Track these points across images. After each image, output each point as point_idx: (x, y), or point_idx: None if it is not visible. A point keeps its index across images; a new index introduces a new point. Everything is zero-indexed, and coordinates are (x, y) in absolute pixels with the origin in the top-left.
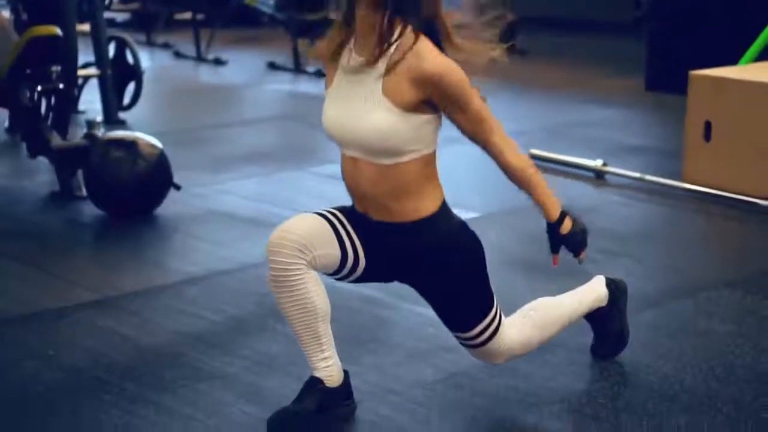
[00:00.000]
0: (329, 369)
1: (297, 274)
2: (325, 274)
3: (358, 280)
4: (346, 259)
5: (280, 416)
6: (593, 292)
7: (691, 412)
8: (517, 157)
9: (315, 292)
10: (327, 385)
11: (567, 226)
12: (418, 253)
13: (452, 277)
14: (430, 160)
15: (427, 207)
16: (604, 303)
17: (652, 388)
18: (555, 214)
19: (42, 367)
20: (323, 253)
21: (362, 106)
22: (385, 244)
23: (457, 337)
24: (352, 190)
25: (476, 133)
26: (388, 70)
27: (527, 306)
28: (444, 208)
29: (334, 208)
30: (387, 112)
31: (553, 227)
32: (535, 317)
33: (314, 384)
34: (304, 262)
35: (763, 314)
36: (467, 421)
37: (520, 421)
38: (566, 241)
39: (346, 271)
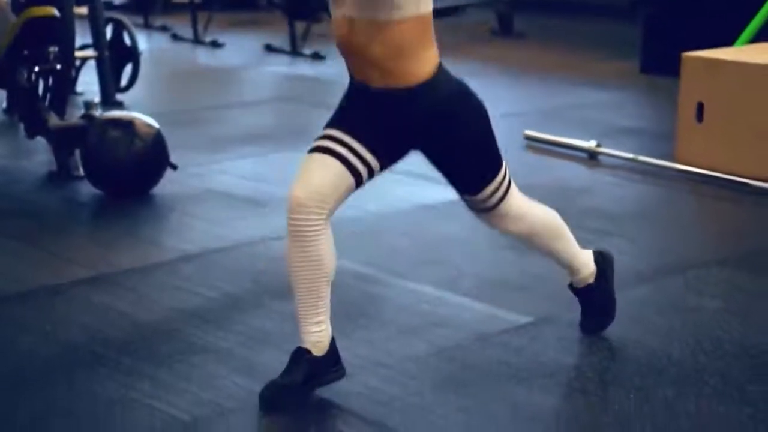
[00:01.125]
0: (320, 334)
1: (315, 230)
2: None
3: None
4: (361, 179)
5: (270, 389)
6: (587, 259)
7: (678, 384)
8: None
9: (326, 249)
10: (314, 354)
11: None
12: (422, 117)
13: (459, 137)
14: (425, 21)
15: (424, 70)
16: (591, 280)
17: (639, 362)
18: None
19: (39, 342)
20: (340, 194)
21: None
22: (389, 119)
23: (469, 203)
24: (348, 55)
25: None
26: None
27: None
28: (442, 70)
29: (336, 121)
30: None
31: None
32: (542, 212)
33: (301, 355)
34: (324, 216)
35: (752, 291)
36: (459, 394)
37: (511, 394)
38: None
39: (365, 183)
